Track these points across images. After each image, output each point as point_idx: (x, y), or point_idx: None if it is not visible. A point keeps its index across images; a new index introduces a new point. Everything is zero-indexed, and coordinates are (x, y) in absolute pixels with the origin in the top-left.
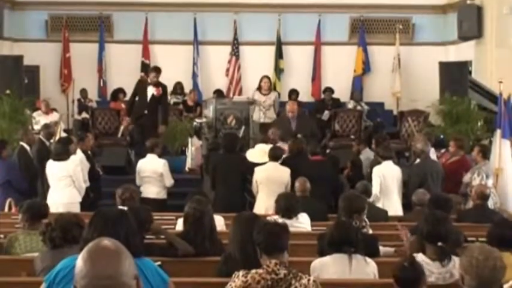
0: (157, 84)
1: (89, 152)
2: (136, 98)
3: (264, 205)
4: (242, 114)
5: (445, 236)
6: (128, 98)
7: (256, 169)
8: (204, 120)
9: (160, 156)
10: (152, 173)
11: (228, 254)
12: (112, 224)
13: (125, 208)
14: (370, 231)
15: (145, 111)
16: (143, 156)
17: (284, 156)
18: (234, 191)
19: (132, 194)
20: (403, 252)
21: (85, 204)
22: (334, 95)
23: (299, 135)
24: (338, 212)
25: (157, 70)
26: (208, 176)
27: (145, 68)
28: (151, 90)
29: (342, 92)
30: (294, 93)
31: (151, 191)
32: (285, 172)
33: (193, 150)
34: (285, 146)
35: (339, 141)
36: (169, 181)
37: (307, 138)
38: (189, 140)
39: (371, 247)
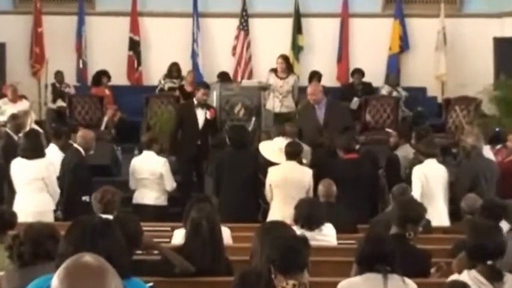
0: (207, 104)
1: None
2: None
3: (279, 214)
4: (253, 102)
5: (494, 251)
6: (111, 82)
7: (271, 170)
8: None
9: (159, 153)
10: (150, 174)
11: (244, 273)
12: (93, 236)
13: (110, 217)
14: None
15: (198, 142)
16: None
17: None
18: (244, 195)
19: (114, 197)
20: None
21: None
22: (365, 79)
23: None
24: (371, 221)
25: (207, 86)
26: (211, 178)
27: (134, 45)
28: (201, 114)
29: (375, 74)
30: (315, 76)
31: (149, 196)
32: (305, 173)
33: None
34: (304, 146)
35: (371, 135)
36: (170, 184)
37: (339, 131)
38: None
39: (422, 264)
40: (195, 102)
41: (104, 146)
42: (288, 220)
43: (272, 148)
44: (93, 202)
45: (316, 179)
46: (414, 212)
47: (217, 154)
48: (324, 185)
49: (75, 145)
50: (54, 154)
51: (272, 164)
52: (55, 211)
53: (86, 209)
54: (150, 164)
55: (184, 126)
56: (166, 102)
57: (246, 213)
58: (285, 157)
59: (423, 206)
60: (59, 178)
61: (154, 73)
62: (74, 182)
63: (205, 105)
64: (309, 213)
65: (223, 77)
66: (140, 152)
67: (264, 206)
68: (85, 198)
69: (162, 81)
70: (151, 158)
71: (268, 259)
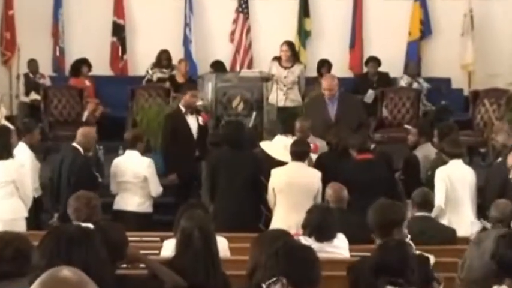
0: (197, 108)
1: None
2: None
3: (283, 222)
4: (253, 95)
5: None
6: (92, 72)
7: (274, 172)
8: (200, 103)
9: (143, 153)
10: (133, 177)
11: None
12: (69, 247)
13: (90, 225)
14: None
15: (196, 153)
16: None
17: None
18: (243, 201)
19: (91, 202)
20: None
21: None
22: (381, 68)
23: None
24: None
25: (193, 86)
26: (205, 181)
27: (118, 30)
28: (193, 121)
29: (392, 63)
30: (325, 66)
31: (132, 201)
32: (313, 176)
33: None
34: (318, 142)
35: (387, 133)
36: (156, 188)
37: (353, 129)
38: None
39: (423, 270)
40: (183, 109)
41: None
42: (293, 229)
43: (274, 146)
44: (68, 210)
45: (323, 182)
46: (395, 214)
47: (211, 154)
48: (333, 189)
49: (74, 144)
50: (22, 153)
51: (275, 165)
52: (50, 218)
53: None
54: (133, 166)
55: (178, 140)
56: (155, 94)
57: (246, 222)
58: (286, 154)
59: (401, 205)
60: (50, 179)
61: (141, 62)
62: (79, 185)
63: (195, 110)
64: (321, 221)
65: (220, 66)
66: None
67: (266, 213)
68: None
69: (150, 71)
70: (135, 159)
71: (277, 273)
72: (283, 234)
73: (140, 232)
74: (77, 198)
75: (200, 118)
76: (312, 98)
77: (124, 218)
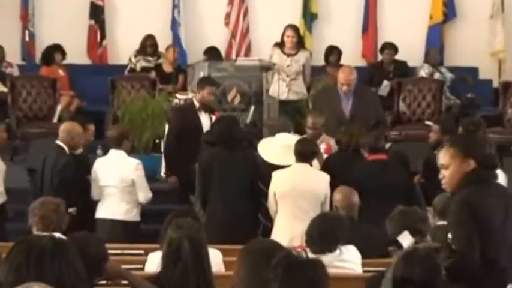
0: (211, 106)
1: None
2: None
3: (286, 232)
4: (251, 86)
5: None
6: (67, 60)
7: (276, 175)
8: (190, 96)
9: (130, 153)
10: (119, 180)
11: None
12: (39, 260)
13: (61, 236)
14: None
15: None
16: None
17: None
18: (238, 208)
19: (59, 208)
20: None
21: None
22: (398, 56)
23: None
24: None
25: (213, 82)
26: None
27: (97, 12)
28: (206, 119)
29: (411, 50)
30: (334, 53)
31: (117, 209)
32: (321, 180)
33: None
34: (331, 142)
35: (406, 130)
36: (145, 194)
37: (366, 126)
38: (167, 127)
39: None
40: (197, 104)
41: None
42: (297, 241)
43: (273, 146)
44: (32, 219)
45: (331, 187)
46: (415, 222)
47: (202, 154)
48: (342, 194)
49: (58, 142)
50: None
51: (277, 167)
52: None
53: (74, 225)
54: (119, 168)
55: (186, 138)
56: (139, 86)
57: (242, 232)
58: (289, 155)
59: (423, 211)
60: (31, 181)
61: (122, 49)
62: (61, 188)
63: (209, 108)
64: (325, 230)
65: (213, 53)
66: (105, 152)
67: (264, 223)
68: (72, 210)
69: (133, 60)
70: (121, 160)
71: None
72: (274, 246)
73: (121, 244)
74: (42, 204)
75: (214, 118)
76: (322, 90)
77: (108, 228)
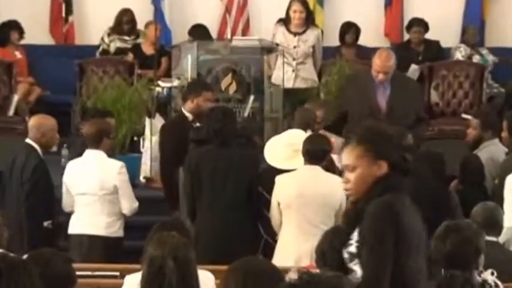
0: None
1: None
2: None
3: (291, 250)
4: (250, 72)
5: None
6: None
7: (279, 179)
8: (175, 83)
9: (111, 155)
10: (98, 188)
11: None
12: None
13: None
14: None
15: None
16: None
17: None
18: (234, 220)
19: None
20: None
21: None
22: (429, 35)
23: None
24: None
25: (208, 86)
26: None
27: None
28: None
29: (445, 28)
30: (351, 31)
31: (95, 222)
32: (335, 185)
33: (155, 142)
34: (333, 138)
35: (438, 125)
36: (129, 204)
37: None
38: (147, 122)
39: None
40: (189, 116)
41: (14, 143)
42: (306, 260)
43: (279, 147)
44: None
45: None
46: (473, 242)
47: (190, 155)
48: None
49: (28, 140)
50: None
51: (282, 170)
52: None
53: (50, 240)
54: (98, 172)
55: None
56: (113, 71)
57: (238, 249)
58: (298, 157)
59: (476, 229)
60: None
61: (93, 26)
62: (34, 195)
63: None
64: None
65: (201, 32)
66: (75, 152)
67: (266, 238)
68: (47, 223)
69: (107, 39)
70: (100, 162)
71: None
72: (267, 268)
73: (93, 264)
74: None
75: None
76: (353, 76)
77: (85, 245)
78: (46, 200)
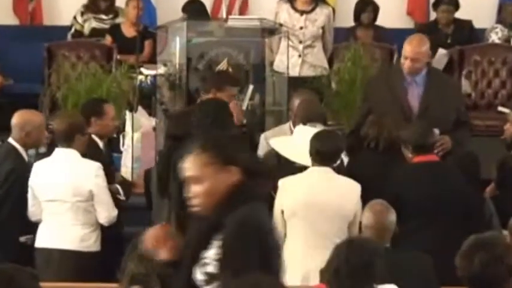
0: None
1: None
2: None
3: (299, 266)
4: (249, 57)
5: None
6: None
7: (283, 183)
8: (160, 70)
9: (86, 154)
10: (70, 194)
11: None
12: None
13: None
14: None
15: None
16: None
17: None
18: None
19: None
20: None
21: None
22: (459, 14)
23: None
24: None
25: (236, 81)
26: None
27: None
28: None
29: (477, 7)
30: (367, 10)
31: (67, 234)
32: (349, 190)
33: (137, 140)
34: None
35: (471, 119)
36: (106, 212)
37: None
38: (128, 116)
39: None
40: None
41: None
42: (315, 278)
43: (292, 143)
44: None
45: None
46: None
47: (176, 154)
48: (373, 211)
49: (10, 140)
50: None
51: (288, 172)
52: None
53: (27, 259)
54: (70, 174)
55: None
56: (88, 56)
57: None
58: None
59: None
60: None
61: (63, 4)
62: (17, 202)
63: None
64: (357, 263)
65: (192, 10)
66: (44, 152)
67: None
68: (26, 239)
69: (80, 19)
70: (73, 163)
71: None
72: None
73: (62, 283)
74: None
75: None
76: (380, 71)
77: (54, 261)
78: (21, 211)
